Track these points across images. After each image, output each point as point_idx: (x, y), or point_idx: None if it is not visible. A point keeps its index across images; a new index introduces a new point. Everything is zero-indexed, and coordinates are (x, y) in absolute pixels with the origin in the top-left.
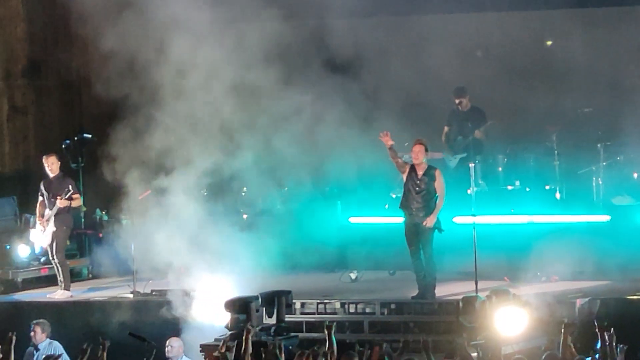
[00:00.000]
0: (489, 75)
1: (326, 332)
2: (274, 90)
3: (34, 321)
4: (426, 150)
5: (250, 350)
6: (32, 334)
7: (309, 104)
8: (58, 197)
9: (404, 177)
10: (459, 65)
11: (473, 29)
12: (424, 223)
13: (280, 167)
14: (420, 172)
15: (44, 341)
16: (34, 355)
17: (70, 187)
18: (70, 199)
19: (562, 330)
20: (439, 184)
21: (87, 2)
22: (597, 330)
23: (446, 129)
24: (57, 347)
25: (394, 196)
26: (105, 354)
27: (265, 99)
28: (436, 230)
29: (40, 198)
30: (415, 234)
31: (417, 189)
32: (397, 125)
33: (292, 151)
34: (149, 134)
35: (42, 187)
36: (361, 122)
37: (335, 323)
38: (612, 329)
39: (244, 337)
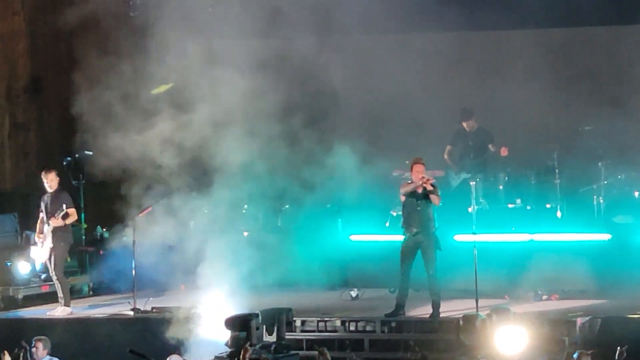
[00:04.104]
0: (490, 91)
1: (321, 357)
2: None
3: (36, 337)
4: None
5: None
6: (33, 349)
7: (309, 122)
8: (53, 218)
9: (403, 197)
10: (457, 83)
11: (465, 46)
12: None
13: (281, 184)
14: (420, 190)
15: (44, 357)
16: None
17: (64, 205)
18: (65, 216)
19: (566, 352)
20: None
21: (89, 19)
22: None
23: (449, 147)
24: None
25: (394, 214)
26: None
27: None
28: (436, 249)
29: (41, 214)
30: (414, 252)
31: (418, 208)
32: (399, 142)
33: (292, 169)
34: (150, 151)
35: (42, 204)
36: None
37: (325, 348)
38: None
39: (241, 356)
